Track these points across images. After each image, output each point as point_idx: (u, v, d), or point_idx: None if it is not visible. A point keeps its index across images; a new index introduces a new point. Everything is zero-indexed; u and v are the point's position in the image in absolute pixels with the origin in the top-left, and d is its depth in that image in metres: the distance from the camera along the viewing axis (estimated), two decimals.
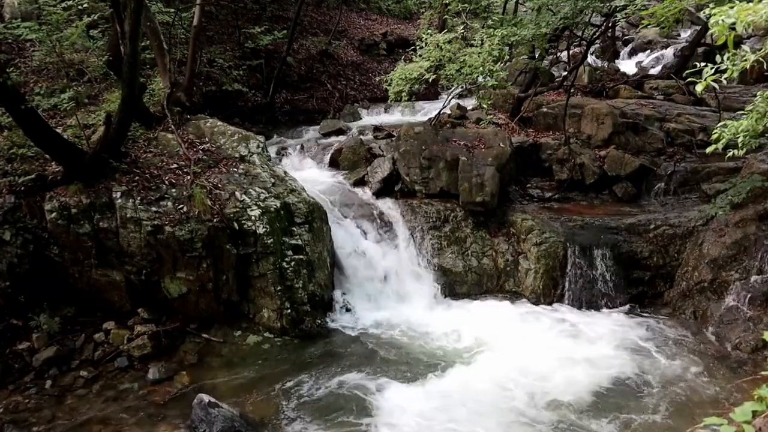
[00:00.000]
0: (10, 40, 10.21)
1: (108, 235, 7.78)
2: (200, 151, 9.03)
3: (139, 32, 7.46)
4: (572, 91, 12.08)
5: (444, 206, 9.91)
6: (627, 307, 9.00)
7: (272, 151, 11.17)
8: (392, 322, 8.59)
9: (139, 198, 7.84)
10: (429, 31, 10.68)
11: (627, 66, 17.36)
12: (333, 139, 12.60)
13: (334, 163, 11.35)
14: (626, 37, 20.57)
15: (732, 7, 3.44)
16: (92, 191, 7.82)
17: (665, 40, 18.47)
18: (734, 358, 7.48)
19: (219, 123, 9.88)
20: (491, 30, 9.87)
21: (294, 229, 8.57)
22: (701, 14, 4.17)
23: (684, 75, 7.39)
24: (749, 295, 7.89)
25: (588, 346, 7.84)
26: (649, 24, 7.13)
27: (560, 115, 11.52)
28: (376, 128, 12.66)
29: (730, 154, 5.69)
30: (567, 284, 9.13)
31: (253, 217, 8.11)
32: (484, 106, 10.40)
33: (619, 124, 11.28)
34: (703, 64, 3.85)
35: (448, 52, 9.75)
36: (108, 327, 7.68)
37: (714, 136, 5.55)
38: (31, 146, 7.88)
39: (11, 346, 7.24)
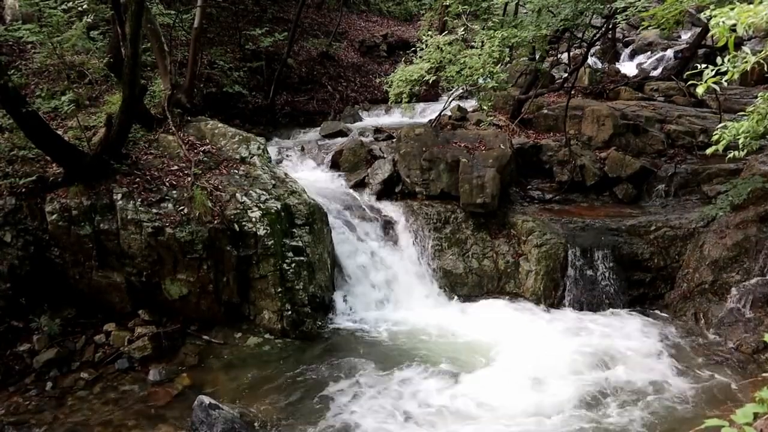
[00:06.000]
0: (11, 43, 10.22)
1: (109, 236, 7.78)
2: (201, 153, 9.04)
3: (140, 34, 7.46)
4: (573, 92, 12.09)
5: (444, 208, 9.91)
6: (628, 308, 8.99)
7: (273, 152, 11.16)
8: (392, 324, 8.58)
9: (139, 199, 7.84)
10: (429, 32, 10.69)
11: (627, 68, 17.37)
12: (333, 140, 12.60)
13: (334, 165, 11.35)
14: (627, 39, 20.60)
15: (732, 9, 3.44)
16: (93, 193, 7.82)
17: (666, 41, 18.49)
18: (735, 359, 7.47)
19: (220, 125, 9.88)
20: (491, 32, 9.87)
21: (294, 230, 8.56)
22: (702, 16, 4.16)
23: (684, 77, 7.40)
24: (750, 297, 7.88)
25: (588, 347, 7.82)
26: (650, 25, 7.16)
27: (561, 116, 11.52)
28: (377, 130, 12.67)
29: (731, 155, 5.70)
30: (568, 286, 9.12)
31: (253, 219, 8.11)
32: (485, 107, 10.40)
33: (620, 125, 11.29)
34: (703, 65, 3.85)
35: (448, 53, 9.75)
36: (108, 329, 7.68)
37: (714, 138, 5.55)
38: (32, 148, 7.88)
39: (12, 347, 7.23)
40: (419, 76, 9.71)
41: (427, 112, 14.06)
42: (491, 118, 11.28)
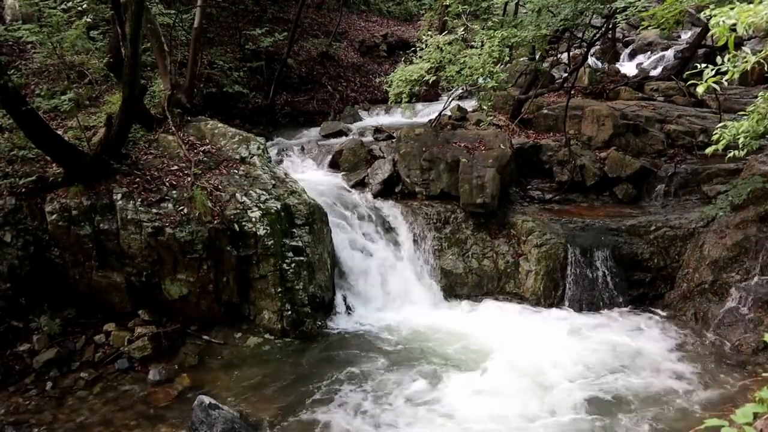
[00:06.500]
0: (11, 42, 10.23)
1: (108, 236, 7.78)
2: (201, 153, 9.04)
3: (140, 34, 7.47)
4: (573, 92, 12.09)
5: (444, 208, 9.91)
6: (628, 308, 8.99)
7: (273, 152, 11.16)
8: (392, 324, 8.59)
9: (139, 199, 7.85)
10: (429, 32, 10.69)
11: (627, 67, 17.36)
12: (333, 140, 12.60)
13: (334, 165, 11.35)
14: (626, 39, 20.59)
15: (732, 8, 3.44)
16: (93, 193, 7.82)
17: (666, 41, 18.48)
18: (735, 359, 7.47)
19: (219, 125, 9.88)
20: (491, 31, 9.87)
21: (294, 230, 8.57)
22: (701, 15, 4.16)
23: (684, 76, 7.40)
24: (750, 297, 7.88)
25: (588, 348, 7.83)
26: (650, 25, 7.16)
27: (561, 116, 11.52)
28: (377, 130, 12.67)
29: (731, 155, 5.70)
30: (567, 286, 9.12)
31: (253, 219, 8.11)
32: (485, 107, 10.40)
33: (620, 125, 11.28)
34: (703, 65, 3.85)
35: (448, 53, 9.75)
36: (108, 329, 7.69)
37: (714, 137, 5.55)
38: (32, 148, 7.88)
39: (12, 347, 7.24)
40: (419, 76, 9.71)
41: (427, 112, 14.05)
42: (491, 118, 11.28)
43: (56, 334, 7.46)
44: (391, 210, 10.06)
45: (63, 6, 9.08)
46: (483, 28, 10.48)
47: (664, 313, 8.85)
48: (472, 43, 9.95)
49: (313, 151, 11.92)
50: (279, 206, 8.44)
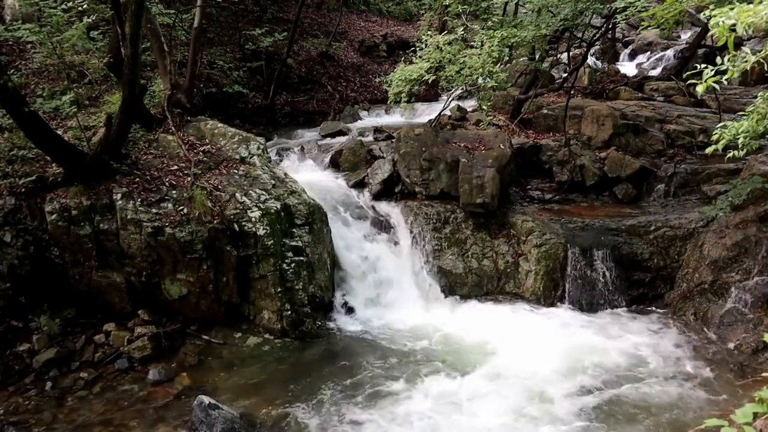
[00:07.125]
0: (11, 42, 10.23)
1: (108, 236, 7.78)
2: (201, 153, 9.04)
3: (139, 34, 7.47)
4: (572, 92, 12.08)
5: (444, 208, 9.90)
6: (627, 308, 8.99)
7: (273, 152, 11.17)
8: (392, 324, 8.59)
9: (139, 199, 7.85)
10: (429, 32, 10.69)
11: (627, 67, 17.37)
12: (333, 140, 12.60)
13: (334, 165, 11.35)
14: (626, 39, 20.60)
15: (732, 9, 3.44)
16: (93, 193, 7.82)
17: (665, 41, 18.49)
18: (735, 359, 7.47)
19: (219, 124, 9.89)
20: (491, 31, 9.87)
21: (294, 230, 8.57)
22: (701, 16, 4.17)
23: (684, 76, 7.39)
24: (750, 297, 7.89)
25: (588, 348, 7.83)
26: (650, 25, 7.15)
27: (560, 116, 11.52)
28: (377, 130, 12.67)
29: (731, 155, 5.69)
30: (567, 286, 9.12)
31: (253, 219, 8.11)
32: (484, 107, 10.39)
33: (620, 125, 11.28)
34: (703, 65, 3.85)
35: (448, 53, 9.75)
36: (108, 328, 7.69)
37: (714, 137, 5.55)
38: (32, 148, 7.88)
39: (12, 347, 7.25)
40: (419, 75, 9.71)
41: (427, 112, 14.06)
42: (491, 118, 11.28)
43: (56, 334, 7.46)
44: (391, 210, 10.06)
45: (63, 6, 9.07)
46: (483, 28, 10.48)
47: (663, 313, 8.84)
48: (472, 43, 9.95)
49: (313, 151, 11.92)
50: (279, 206, 8.44)
